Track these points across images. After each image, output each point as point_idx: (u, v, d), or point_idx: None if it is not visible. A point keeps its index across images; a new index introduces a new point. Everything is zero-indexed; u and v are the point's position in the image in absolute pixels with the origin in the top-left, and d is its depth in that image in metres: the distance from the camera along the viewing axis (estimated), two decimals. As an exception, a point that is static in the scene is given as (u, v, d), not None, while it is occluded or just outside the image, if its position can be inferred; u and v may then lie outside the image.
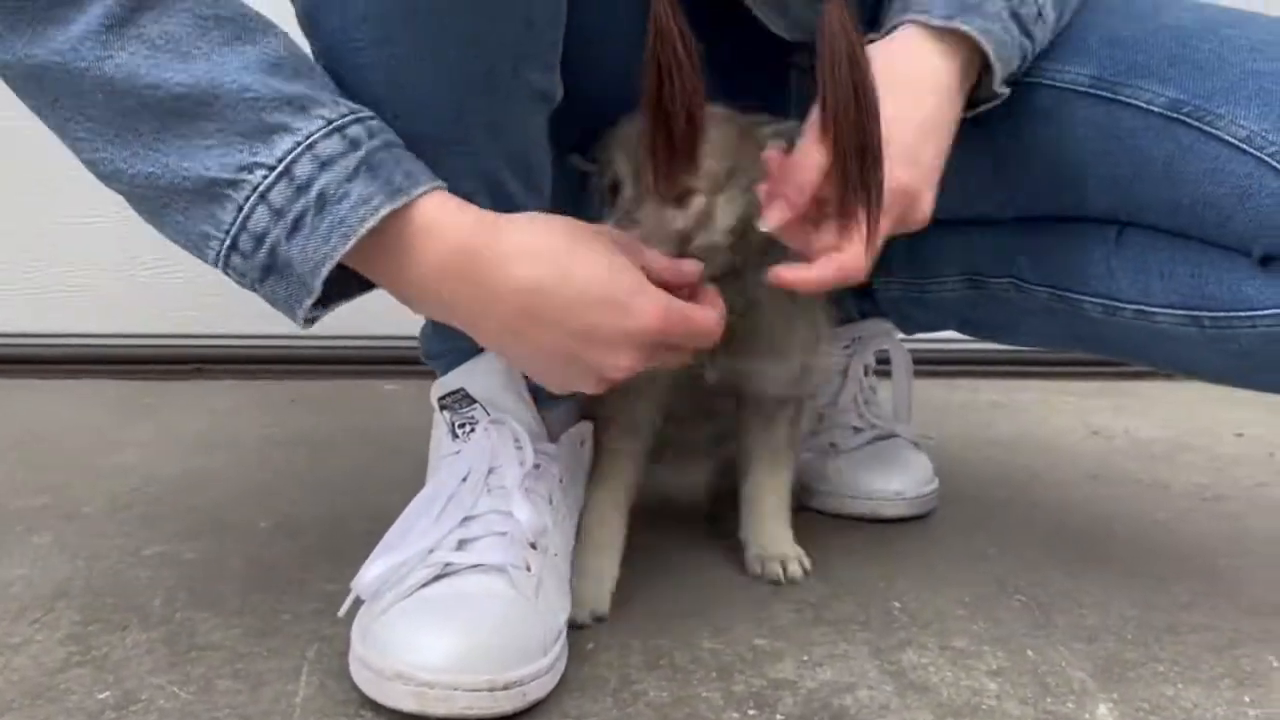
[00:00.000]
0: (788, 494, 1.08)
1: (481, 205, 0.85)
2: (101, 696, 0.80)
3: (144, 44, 0.72)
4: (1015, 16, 0.90)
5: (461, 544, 0.84)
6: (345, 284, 0.79)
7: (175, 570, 1.02)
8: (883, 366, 1.28)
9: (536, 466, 0.91)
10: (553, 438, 0.94)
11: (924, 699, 0.82)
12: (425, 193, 0.76)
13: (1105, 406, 1.70)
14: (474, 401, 0.92)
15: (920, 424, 1.33)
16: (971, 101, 0.92)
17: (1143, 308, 0.96)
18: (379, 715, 0.77)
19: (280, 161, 0.73)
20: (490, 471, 0.89)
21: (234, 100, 0.73)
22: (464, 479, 0.89)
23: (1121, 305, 0.97)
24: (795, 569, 1.04)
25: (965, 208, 1.06)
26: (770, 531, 1.07)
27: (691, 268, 0.84)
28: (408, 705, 0.75)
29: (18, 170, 1.70)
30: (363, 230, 0.74)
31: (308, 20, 0.82)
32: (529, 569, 0.84)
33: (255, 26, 0.75)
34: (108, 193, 0.78)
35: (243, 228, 0.74)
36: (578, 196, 1.14)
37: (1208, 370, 1.00)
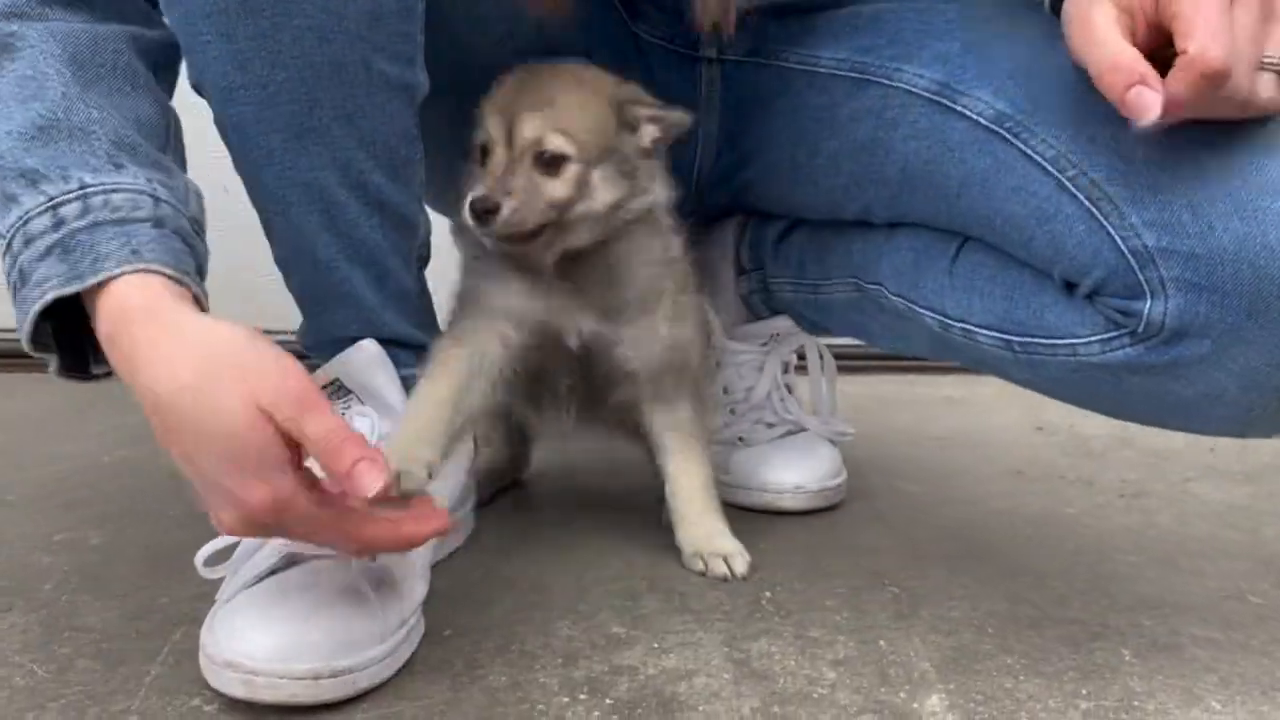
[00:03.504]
0: (709, 484, 1.08)
1: (342, 196, 0.88)
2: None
3: None
4: None
5: (312, 532, 0.87)
6: None
7: (75, 555, 1.06)
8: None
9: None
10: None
11: (757, 687, 0.84)
12: (104, 280, 0.75)
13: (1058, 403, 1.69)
14: (349, 391, 0.95)
15: (861, 418, 1.34)
16: None
17: (966, 326, 0.96)
18: (217, 698, 0.80)
19: (7, 232, 0.78)
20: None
21: None
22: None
23: (951, 322, 0.97)
24: (740, 565, 1.04)
25: (839, 209, 1.06)
26: (705, 528, 1.06)
27: (355, 480, 0.72)
28: (237, 692, 0.79)
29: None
30: (36, 309, 0.76)
31: (165, 15, 0.86)
32: (374, 559, 0.86)
33: (51, 85, 0.80)
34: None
35: None
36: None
37: (1043, 390, 0.99)
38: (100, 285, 0.75)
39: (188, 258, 0.80)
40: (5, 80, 0.80)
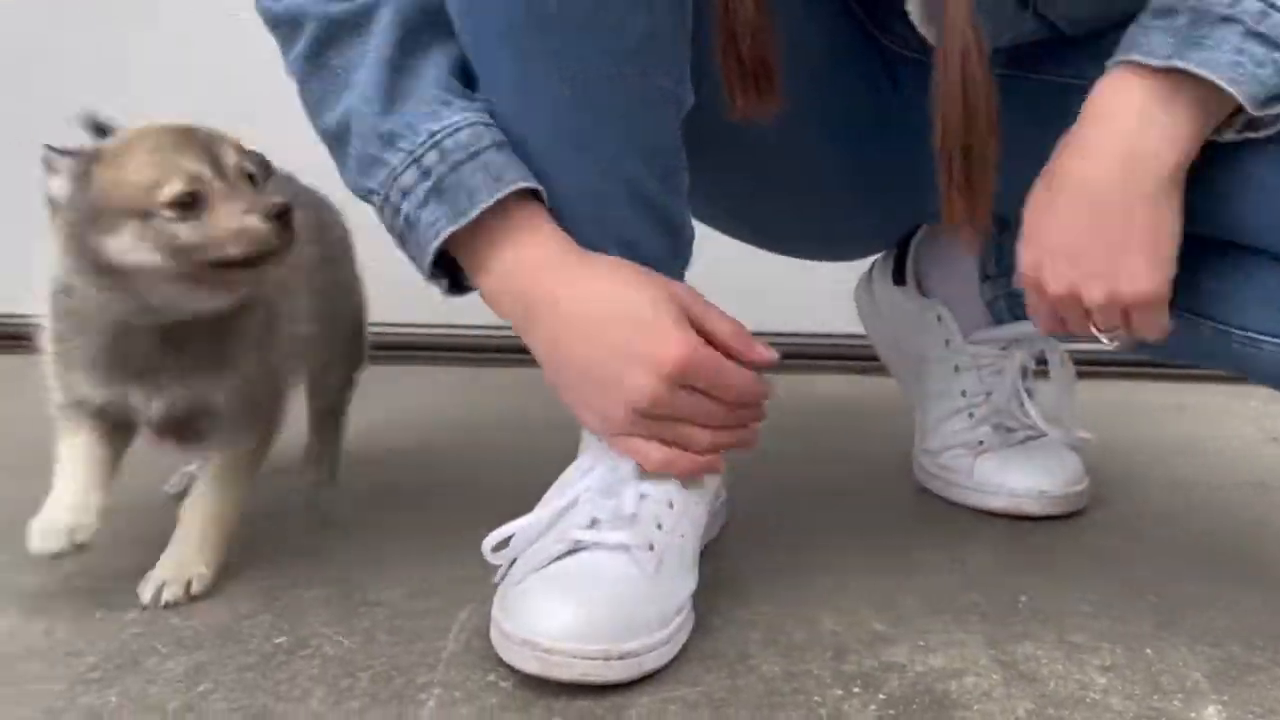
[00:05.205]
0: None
1: (620, 204, 0.93)
2: (277, 641, 0.92)
3: (331, 73, 0.92)
4: (1256, 36, 0.82)
5: (593, 522, 0.92)
6: None
7: (360, 535, 1.14)
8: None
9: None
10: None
11: (1029, 689, 0.85)
12: (488, 206, 0.87)
13: (1292, 414, 1.65)
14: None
15: (1092, 424, 1.33)
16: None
17: (1251, 334, 0.94)
18: (511, 673, 0.86)
19: (381, 189, 0.90)
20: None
21: (355, 136, 0.91)
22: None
23: (1231, 330, 0.96)
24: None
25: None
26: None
27: (759, 354, 0.92)
28: (532, 668, 0.84)
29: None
30: (436, 245, 0.88)
31: (458, 27, 0.91)
32: (652, 548, 0.91)
33: (384, 56, 0.90)
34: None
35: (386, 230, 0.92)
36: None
37: None
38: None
39: (525, 164, 0.91)
40: (366, 50, 0.90)
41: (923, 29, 1.03)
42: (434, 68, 0.91)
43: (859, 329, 1.41)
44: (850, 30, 1.15)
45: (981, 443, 1.24)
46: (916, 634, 0.94)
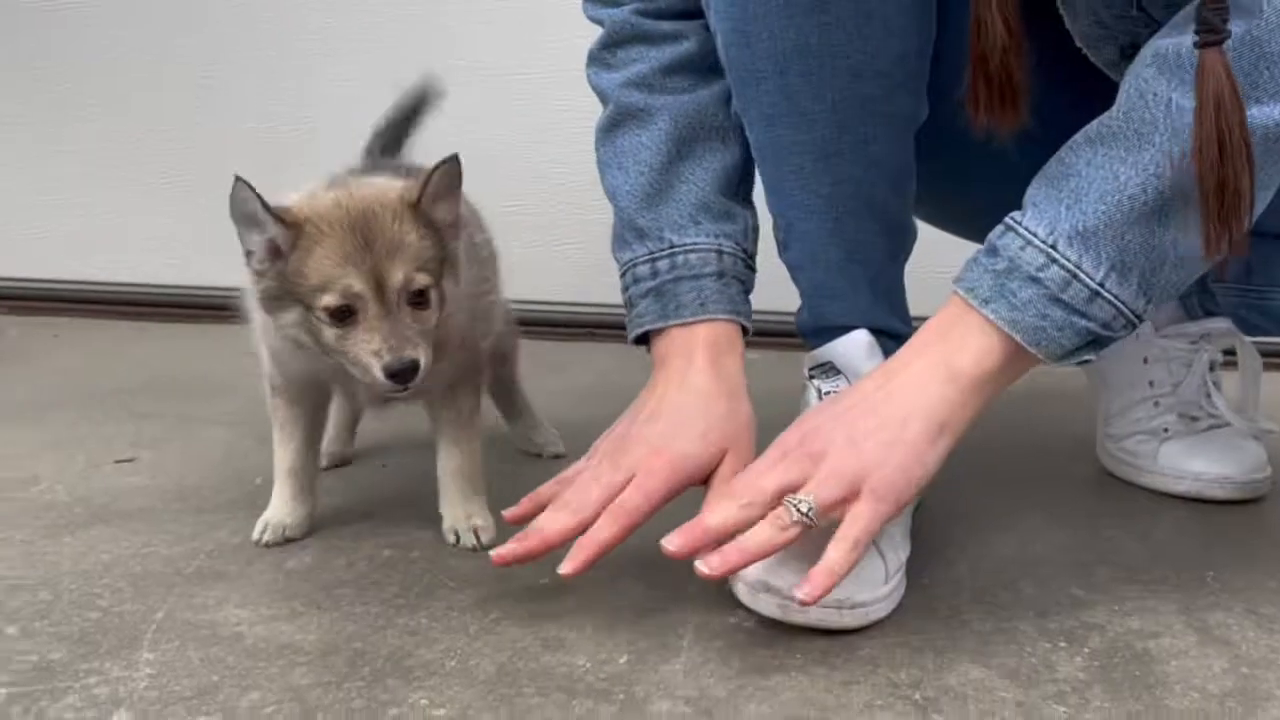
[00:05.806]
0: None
1: (853, 208, 1.03)
2: (543, 582, 1.05)
3: (613, 149, 1.11)
4: (1058, 303, 0.90)
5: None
6: None
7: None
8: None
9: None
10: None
11: (1222, 650, 0.94)
12: (676, 324, 1.07)
13: None
14: (839, 373, 1.10)
15: (1270, 416, 1.39)
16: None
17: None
18: (750, 615, 0.98)
19: (621, 265, 1.12)
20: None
21: (617, 211, 1.12)
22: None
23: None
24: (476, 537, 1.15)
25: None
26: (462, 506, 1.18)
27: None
28: (773, 613, 0.96)
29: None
30: (636, 332, 1.10)
31: (724, 54, 1.03)
32: None
33: (660, 160, 1.09)
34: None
35: None
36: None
37: None
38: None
39: (740, 295, 1.09)
40: (640, 145, 1.09)
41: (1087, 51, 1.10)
42: (695, 180, 1.08)
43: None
44: (1062, 46, 1.22)
45: (1166, 430, 1.32)
46: (1112, 600, 1.03)
